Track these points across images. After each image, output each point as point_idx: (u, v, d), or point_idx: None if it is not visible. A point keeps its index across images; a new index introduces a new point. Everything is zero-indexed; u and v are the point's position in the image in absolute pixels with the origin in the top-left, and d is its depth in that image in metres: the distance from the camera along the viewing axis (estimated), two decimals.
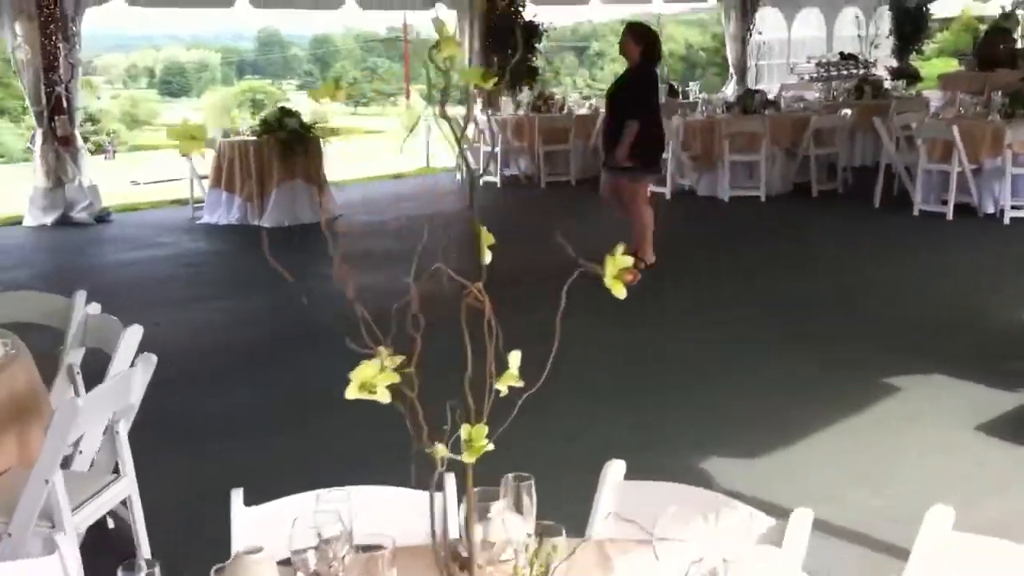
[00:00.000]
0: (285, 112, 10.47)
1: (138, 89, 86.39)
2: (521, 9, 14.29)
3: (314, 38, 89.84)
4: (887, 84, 16.39)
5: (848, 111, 11.63)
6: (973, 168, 9.52)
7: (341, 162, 17.50)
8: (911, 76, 19.83)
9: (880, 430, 4.78)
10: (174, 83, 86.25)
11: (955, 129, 9.38)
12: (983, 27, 19.80)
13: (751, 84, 18.57)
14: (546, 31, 14.60)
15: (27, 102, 10.52)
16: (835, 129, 11.32)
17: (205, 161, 10.59)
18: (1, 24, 10.03)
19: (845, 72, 18.00)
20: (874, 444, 4.61)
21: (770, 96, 14.48)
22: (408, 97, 44.63)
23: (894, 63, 20.44)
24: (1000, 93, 10.17)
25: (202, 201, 10.73)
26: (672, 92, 15.17)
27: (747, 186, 11.21)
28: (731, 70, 18.15)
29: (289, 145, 10.25)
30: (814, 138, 11.16)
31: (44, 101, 10.30)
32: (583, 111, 13.30)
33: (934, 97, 16.14)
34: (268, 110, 10.57)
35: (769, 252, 8.76)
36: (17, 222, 10.63)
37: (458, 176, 13.45)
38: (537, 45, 14.52)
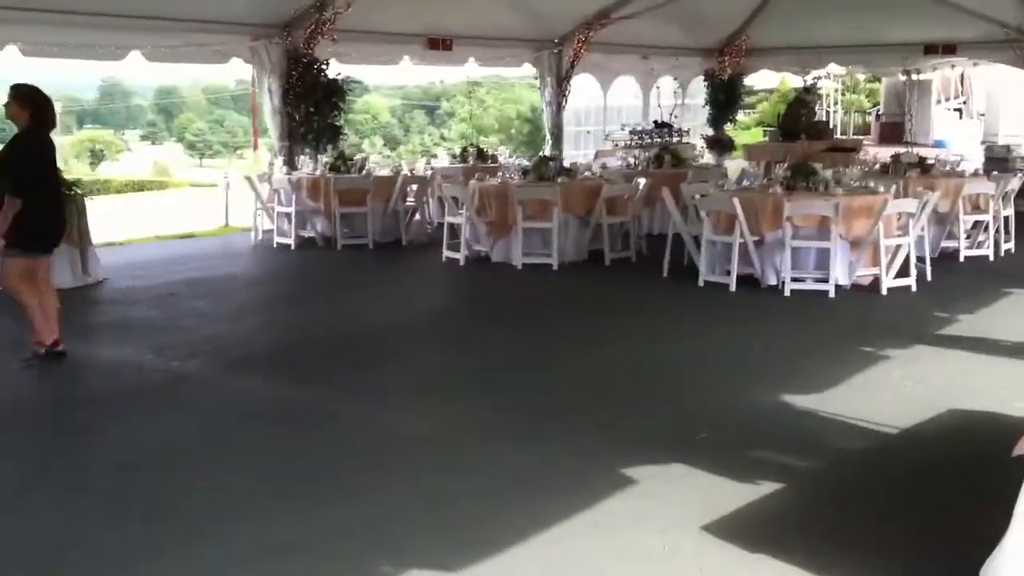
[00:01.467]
0: None
1: None
2: (324, 67, 13.87)
3: (159, 88, 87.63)
4: (699, 152, 16.70)
5: (642, 180, 11.59)
6: (755, 240, 9.52)
7: (128, 221, 16.74)
8: (724, 145, 20.39)
9: (599, 533, 4.41)
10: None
11: (736, 201, 9.37)
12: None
13: (568, 150, 18.73)
14: (351, 89, 14.22)
15: None
16: (627, 197, 11.24)
17: None
18: None
19: (659, 140, 18.31)
20: (589, 551, 4.24)
21: (581, 162, 14.53)
22: (256, 149, 43.75)
23: (710, 132, 21.00)
24: (782, 165, 10.28)
25: None
26: (480, 155, 15.01)
27: (540, 253, 10.99)
28: (547, 135, 18.18)
29: None
30: (607, 206, 11.04)
31: None
32: (384, 172, 12.91)
33: (734, 167, 16.53)
34: None
35: (542, 324, 8.47)
36: None
37: (253, 237, 12.82)
38: (340, 104, 14.10)
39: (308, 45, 13.65)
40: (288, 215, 12.36)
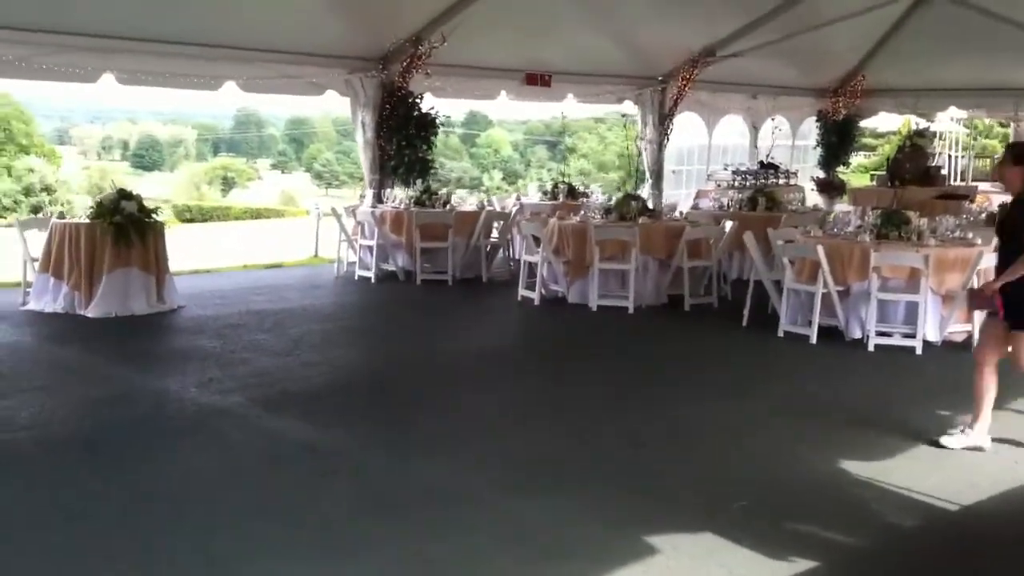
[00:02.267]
0: (123, 195, 9.83)
1: (110, 161, 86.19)
2: (418, 101, 13.87)
3: (291, 119, 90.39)
4: (799, 196, 16.12)
5: (729, 223, 11.15)
6: (840, 290, 9.00)
7: (226, 248, 17.06)
8: (836, 188, 19.65)
9: None
10: (147, 157, 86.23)
11: (820, 249, 8.88)
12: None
13: (670, 190, 18.33)
14: (442, 123, 14.18)
15: None
16: (710, 240, 10.82)
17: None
18: None
19: (763, 181, 17.76)
20: None
21: (669, 201, 14.15)
22: None
23: (820, 174, 20.31)
24: (874, 213, 9.72)
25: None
26: (571, 192, 14.77)
27: (617, 295, 10.65)
28: (647, 174, 17.81)
29: (124, 230, 9.62)
30: (689, 249, 10.65)
31: None
32: (467, 208, 12.78)
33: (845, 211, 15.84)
34: (106, 193, 9.91)
35: (603, 371, 8.12)
36: None
37: (336, 269, 12.85)
38: (432, 137, 14.07)
39: (403, 78, 13.66)
40: (371, 248, 12.34)
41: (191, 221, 52.29)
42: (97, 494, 5.05)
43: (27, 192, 52.16)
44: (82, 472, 5.35)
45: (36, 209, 43.52)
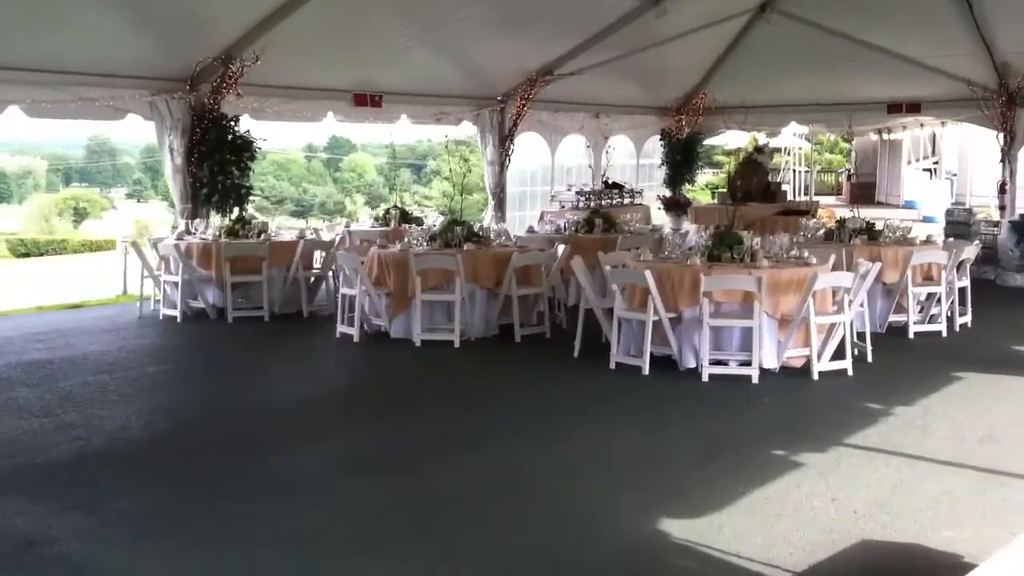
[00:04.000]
0: None
1: None
2: (233, 124, 12.82)
3: (147, 147, 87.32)
4: (635, 217, 15.74)
5: (562, 247, 10.48)
6: (671, 317, 8.38)
7: (37, 286, 15.62)
8: (682, 207, 19.36)
9: None
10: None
11: (648, 274, 8.25)
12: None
13: (513, 212, 17.69)
14: (259, 148, 13.15)
15: None
16: (541, 266, 10.13)
17: None
18: None
19: (608, 201, 17.32)
20: None
21: (496, 226, 13.47)
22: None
23: (667, 193, 20.02)
24: (706, 233, 9.18)
25: None
26: (404, 217, 13.94)
27: (444, 328, 9.84)
28: (488, 196, 17.13)
29: None
30: (519, 276, 9.92)
31: None
32: (284, 237, 11.79)
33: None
34: None
35: (417, 414, 7.28)
36: None
37: (139, 308, 11.65)
38: (249, 162, 13.02)
39: (214, 100, 12.59)
40: (176, 284, 11.22)
41: (27, 255, 49.42)
42: None
43: None
44: None
45: None
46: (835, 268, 8.85)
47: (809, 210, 16.32)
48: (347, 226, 14.25)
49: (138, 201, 77.20)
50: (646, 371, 8.29)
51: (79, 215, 70.79)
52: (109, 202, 78.41)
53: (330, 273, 11.94)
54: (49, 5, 10.28)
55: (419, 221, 13.58)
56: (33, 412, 7.16)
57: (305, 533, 4.92)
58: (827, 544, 4.83)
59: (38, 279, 19.52)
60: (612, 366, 8.57)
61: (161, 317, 11.32)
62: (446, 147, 17.04)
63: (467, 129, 16.98)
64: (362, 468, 6.04)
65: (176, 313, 11.15)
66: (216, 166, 12.66)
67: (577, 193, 17.01)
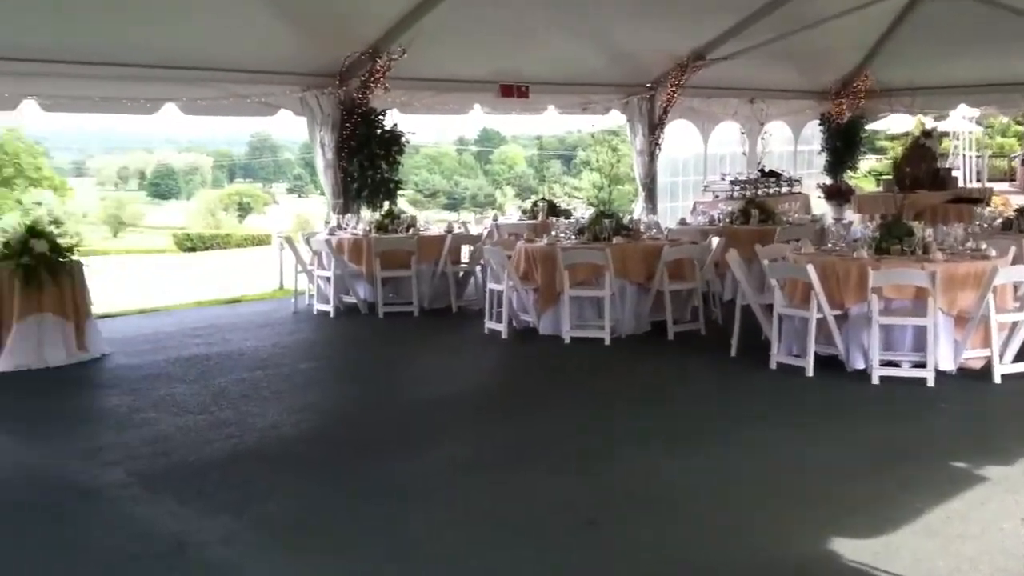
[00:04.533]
0: (32, 233, 8.82)
1: (127, 191, 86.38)
2: (381, 118, 12.86)
3: (304, 143, 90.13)
4: (795, 207, 15.09)
5: (716, 239, 10.05)
6: (837, 315, 7.88)
7: (168, 283, 16.05)
8: (843, 195, 18.50)
9: None
10: (163, 185, 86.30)
11: (811, 269, 7.76)
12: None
13: (663, 202, 17.25)
14: (407, 142, 13.15)
15: None
16: (694, 260, 9.72)
17: None
18: None
19: (765, 190, 16.68)
20: None
21: (647, 218, 13.10)
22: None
23: (827, 180, 19.19)
24: (873, 223, 8.61)
25: None
26: (553, 210, 13.70)
27: (593, 325, 9.57)
28: (638, 187, 16.73)
29: (34, 272, 8.61)
30: (671, 270, 9.55)
31: None
32: (432, 232, 11.73)
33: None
34: (12, 234, 8.86)
35: (565, 415, 7.01)
36: None
37: (293, 303, 11.81)
38: (398, 156, 13.05)
39: (363, 95, 12.66)
40: (328, 279, 11.30)
41: (192, 250, 51.56)
42: None
43: (35, 224, 51.45)
44: None
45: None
46: (1015, 261, 8.15)
47: (983, 198, 15.31)
48: (494, 219, 14.11)
49: (298, 196, 79.62)
50: (810, 372, 7.81)
51: (243, 210, 73.57)
52: (271, 197, 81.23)
53: (478, 267, 11.81)
54: (200, 4, 10.45)
55: (567, 214, 13.34)
56: (189, 409, 7.24)
57: (446, 536, 4.74)
58: (1020, 572, 4.35)
59: (200, 273, 20.17)
60: (772, 366, 8.12)
61: (315, 312, 11.44)
62: (593, 137, 16.72)
63: (616, 118, 16.63)
64: (507, 468, 5.83)
65: (329, 308, 11.24)
66: (366, 161, 12.74)
67: (731, 182, 16.44)
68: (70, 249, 9.11)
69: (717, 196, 16.38)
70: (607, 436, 6.53)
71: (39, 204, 55.02)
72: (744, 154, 17.96)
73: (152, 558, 4.56)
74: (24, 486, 5.64)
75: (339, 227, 11.96)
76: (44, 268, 8.69)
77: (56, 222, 38.15)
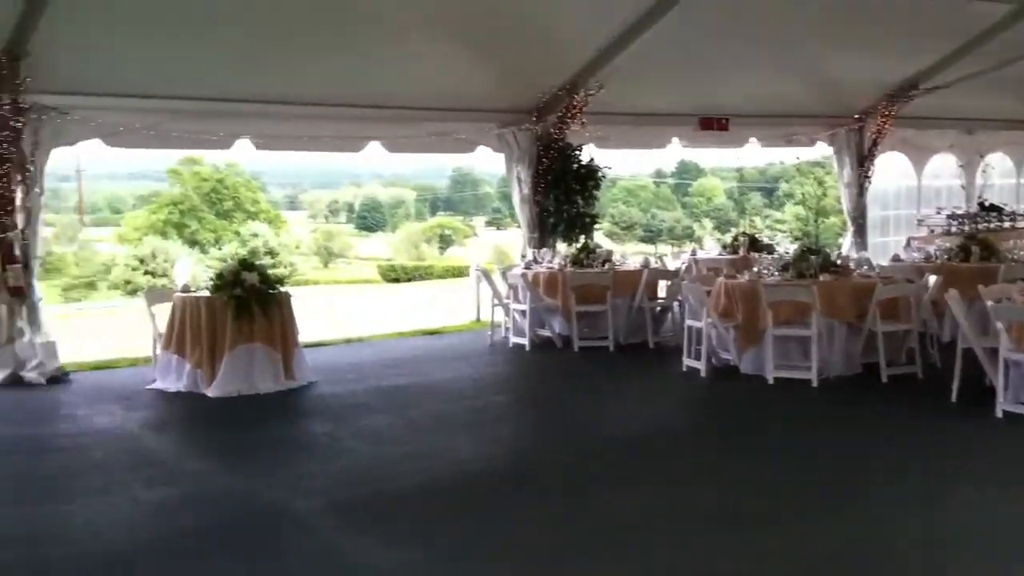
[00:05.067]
0: (244, 265, 9.21)
1: (336, 223, 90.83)
2: (577, 153, 12.86)
3: (503, 176, 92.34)
4: None
5: (932, 277, 9.44)
6: None
7: (371, 314, 16.43)
8: None
9: None
10: (369, 218, 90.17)
11: None
12: None
13: (873, 237, 16.48)
14: (603, 176, 13.08)
15: None
16: (907, 300, 9.15)
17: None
18: None
19: (985, 224, 15.66)
20: None
21: (856, 254, 12.49)
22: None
23: None
24: None
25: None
26: (754, 245, 13.27)
27: (799, 366, 9.13)
28: (847, 221, 16.04)
29: (245, 304, 8.97)
30: (883, 309, 9.02)
31: None
32: (628, 267, 11.56)
33: None
34: (226, 266, 9.28)
35: (767, 463, 6.66)
36: None
37: (489, 336, 11.87)
38: (595, 191, 13.00)
39: (559, 130, 12.70)
40: (524, 312, 11.31)
41: (396, 280, 53.28)
42: None
43: (252, 255, 54.58)
44: None
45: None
46: None
47: None
48: (693, 253, 13.82)
49: (497, 228, 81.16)
50: None
51: (444, 242, 75.70)
52: (471, 229, 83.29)
53: (675, 303, 11.55)
54: (402, 48, 10.73)
55: (770, 248, 12.91)
56: (386, 439, 7.33)
57: None
58: None
59: (402, 304, 20.69)
60: (998, 414, 7.49)
61: (510, 345, 11.47)
62: (798, 169, 16.01)
63: (822, 150, 16.04)
64: (698, 518, 5.54)
65: (524, 341, 11.24)
66: (561, 195, 12.77)
67: (948, 217, 15.53)
68: (280, 281, 9.48)
69: (932, 231, 15.51)
70: (812, 487, 6.15)
71: (255, 236, 58.41)
72: (962, 187, 16.94)
73: None
74: (229, 510, 5.79)
75: (535, 261, 11.98)
76: (255, 300, 9.04)
77: (271, 253, 40.49)
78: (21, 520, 5.69)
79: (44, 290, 10.24)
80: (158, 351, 9.49)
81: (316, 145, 11.60)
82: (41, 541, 5.30)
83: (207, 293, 9.16)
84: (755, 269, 9.92)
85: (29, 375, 9.61)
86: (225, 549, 5.15)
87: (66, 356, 10.10)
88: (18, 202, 9.47)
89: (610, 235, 65.57)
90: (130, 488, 6.18)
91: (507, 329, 11.81)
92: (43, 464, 6.96)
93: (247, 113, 10.87)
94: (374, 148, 11.84)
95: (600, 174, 12.98)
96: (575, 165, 12.83)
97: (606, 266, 11.37)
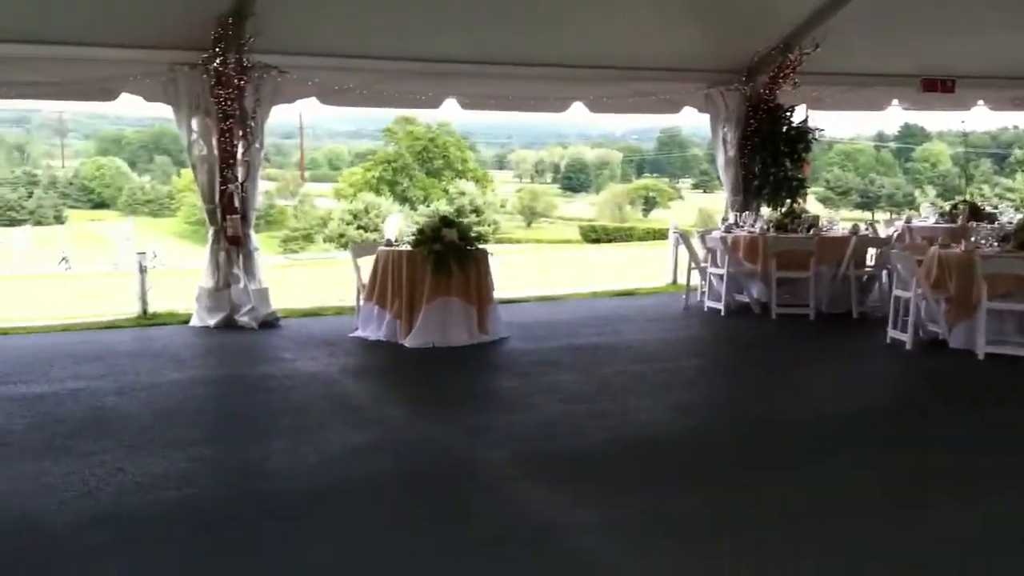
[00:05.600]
0: (445, 222, 9.45)
1: (541, 183, 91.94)
2: (787, 115, 12.44)
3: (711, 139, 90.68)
4: None
5: None
6: None
7: (569, 273, 16.46)
8: None
9: None
10: (575, 179, 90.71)
11: None
12: None
13: None
14: (816, 138, 12.60)
15: (200, 199, 10.37)
16: None
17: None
18: (180, 119, 9.95)
19: None
20: None
21: None
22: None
23: None
24: None
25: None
26: (975, 213, 12.50)
27: (1014, 342, 8.58)
28: None
29: (443, 259, 9.21)
30: None
31: (217, 199, 10.08)
32: (835, 233, 11.12)
33: None
34: (427, 222, 9.58)
35: (963, 447, 6.28)
36: (187, 321, 10.45)
37: (684, 299, 11.72)
38: (804, 154, 12.56)
39: (770, 91, 12.32)
40: (721, 277, 11.10)
41: (596, 241, 53.38)
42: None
43: (458, 213, 55.99)
44: (256, 544, 4.70)
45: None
46: None
47: None
48: (907, 221, 13.15)
49: (703, 191, 79.89)
50: None
51: (648, 204, 75.18)
52: (676, 192, 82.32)
53: (884, 272, 11.04)
54: (609, 7, 10.64)
55: (991, 218, 12.12)
56: (574, 397, 7.39)
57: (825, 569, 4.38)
58: None
59: (600, 265, 20.71)
60: None
61: (705, 309, 11.30)
62: None
63: None
64: (893, 496, 5.30)
65: (720, 306, 11.05)
66: (769, 158, 12.40)
67: None
68: (478, 238, 9.69)
69: None
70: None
71: (462, 194, 59.86)
72: None
73: (517, 541, 4.64)
74: (414, 457, 5.98)
75: (736, 224, 11.70)
76: (453, 255, 9.26)
77: (476, 211, 41.49)
78: (229, 454, 6.09)
79: (264, 241, 10.86)
80: (361, 301, 9.89)
81: (520, 105, 11.74)
82: (245, 475, 5.66)
83: (408, 247, 9.46)
84: (972, 239, 9.34)
85: (242, 319, 10.22)
86: (411, 493, 5.33)
87: (278, 303, 10.68)
88: (239, 156, 10.03)
89: (823, 200, 63.31)
90: (327, 430, 6.49)
91: (703, 293, 11.63)
92: (251, 403, 7.43)
93: (454, 73, 11.10)
94: (578, 108, 11.84)
95: (811, 136, 12.52)
96: (784, 127, 12.42)
97: (811, 231, 10.98)
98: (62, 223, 64.93)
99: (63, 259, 40.99)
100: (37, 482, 5.32)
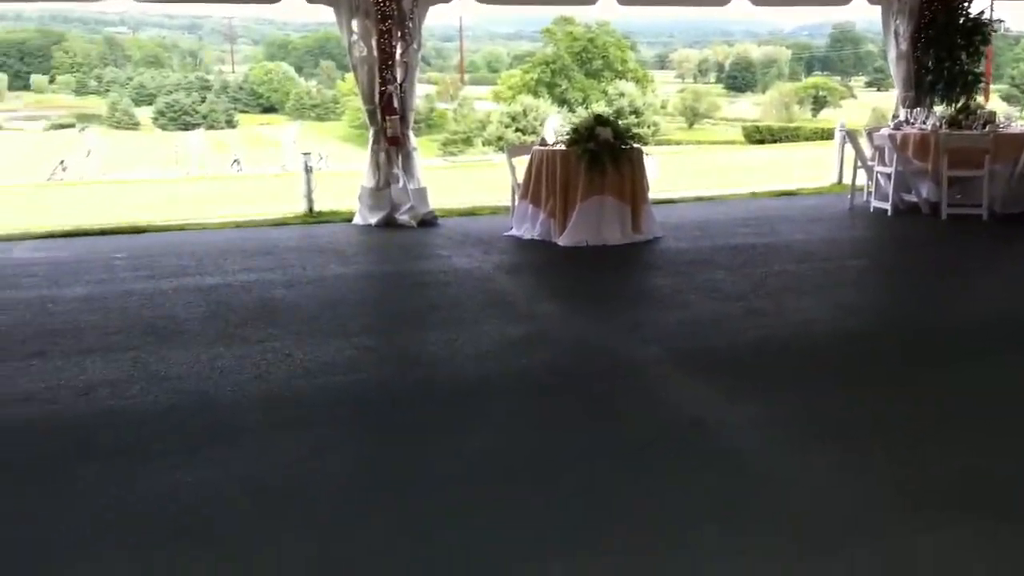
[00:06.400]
0: (599, 121, 9.38)
1: (705, 83, 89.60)
2: (966, 4, 11.71)
3: None
4: None
5: None
6: None
7: (729, 174, 16.06)
8: None
9: None
10: (740, 78, 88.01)
11: None
12: None
13: None
14: (995, 30, 11.83)
15: (360, 101, 10.58)
16: None
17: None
18: (340, 20, 10.14)
19: None
20: None
21: None
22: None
23: None
24: None
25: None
26: None
27: None
28: None
29: (597, 158, 9.18)
30: None
31: (377, 100, 10.28)
32: (1012, 130, 10.50)
33: None
34: (582, 121, 9.53)
35: None
36: (350, 219, 10.80)
37: (849, 199, 11.35)
38: (981, 48, 11.82)
39: None
40: (888, 176, 10.68)
41: (760, 142, 51.87)
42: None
43: (618, 115, 55.02)
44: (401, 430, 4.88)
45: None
46: None
47: None
48: None
49: (877, 90, 76.30)
50: None
51: (818, 103, 72.34)
52: (848, 90, 78.85)
53: None
54: None
55: None
56: (728, 295, 7.33)
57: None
58: None
59: (762, 165, 20.20)
60: None
61: (871, 210, 10.94)
62: None
63: None
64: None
65: (887, 206, 10.67)
66: (943, 52, 11.73)
67: None
68: (633, 137, 9.58)
69: None
70: None
71: (621, 95, 58.92)
72: None
73: (669, 437, 4.68)
74: (568, 354, 6.08)
75: (906, 122, 11.19)
76: (607, 154, 9.21)
77: (636, 112, 40.91)
78: (390, 344, 6.34)
79: (424, 145, 11.06)
80: (515, 201, 9.98)
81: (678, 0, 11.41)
82: (405, 363, 5.90)
83: (563, 147, 9.45)
84: None
85: (402, 218, 10.49)
86: (566, 387, 5.43)
87: (436, 203, 10.91)
88: (398, 57, 10.17)
89: (1006, 98, 59.52)
90: (483, 323, 6.65)
91: (869, 193, 11.23)
92: (409, 296, 7.69)
93: None
94: (739, 2, 11.45)
95: (990, 28, 11.75)
96: (962, 19, 11.69)
97: (986, 128, 10.40)
98: (233, 127, 67.51)
99: (235, 161, 42.67)
100: (212, 366, 5.67)
